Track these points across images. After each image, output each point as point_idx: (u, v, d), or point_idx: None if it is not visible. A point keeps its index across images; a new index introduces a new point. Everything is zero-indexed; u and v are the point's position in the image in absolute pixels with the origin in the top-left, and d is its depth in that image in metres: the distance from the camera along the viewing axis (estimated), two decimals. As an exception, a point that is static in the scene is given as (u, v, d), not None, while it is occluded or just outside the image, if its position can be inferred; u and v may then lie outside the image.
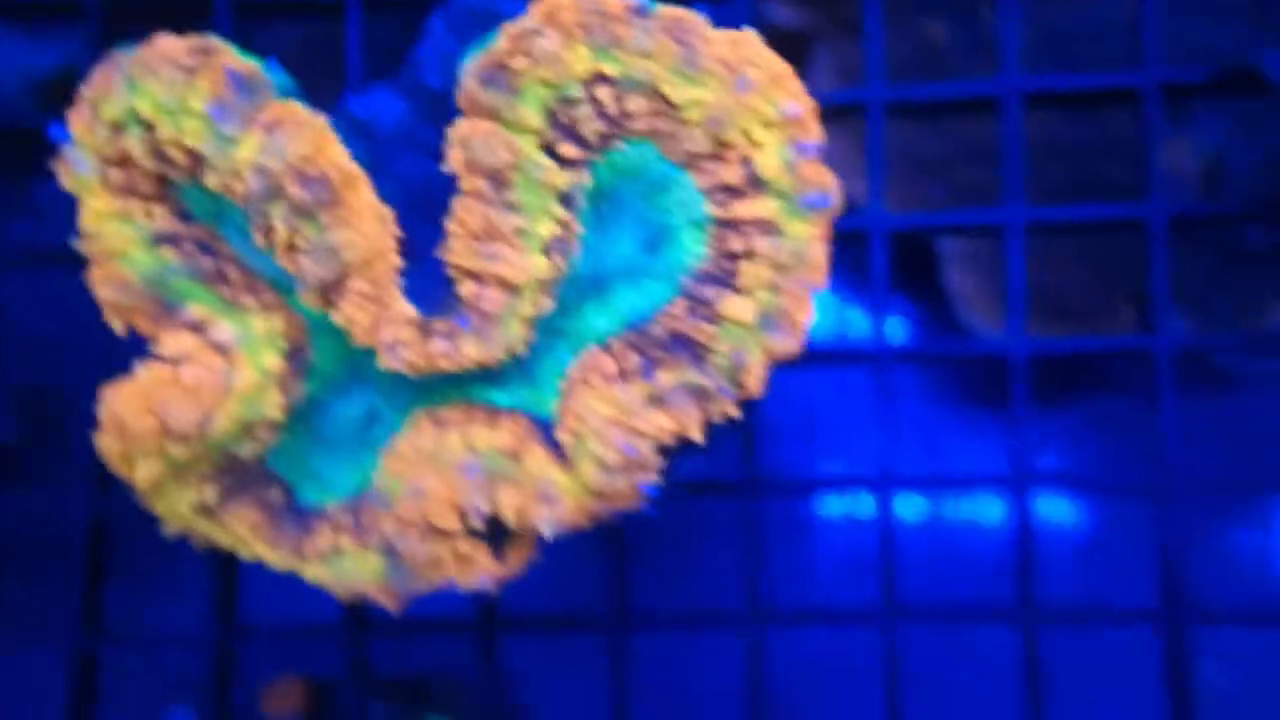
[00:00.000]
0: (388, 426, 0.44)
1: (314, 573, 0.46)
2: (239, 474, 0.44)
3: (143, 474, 0.41)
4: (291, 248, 0.36)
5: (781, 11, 0.65)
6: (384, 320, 0.36)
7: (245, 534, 0.45)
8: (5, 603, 0.63)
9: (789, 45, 0.60)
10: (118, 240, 0.39)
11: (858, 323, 0.70)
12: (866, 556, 0.54)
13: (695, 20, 0.36)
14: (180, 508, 0.44)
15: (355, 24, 0.53)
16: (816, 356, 0.53)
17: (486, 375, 0.41)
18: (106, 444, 0.41)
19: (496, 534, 0.43)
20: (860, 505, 0.61)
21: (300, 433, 0.44)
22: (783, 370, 0.41)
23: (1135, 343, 0.53)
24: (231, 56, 0.36)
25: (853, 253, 0.55)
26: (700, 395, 0.38)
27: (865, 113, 0.54)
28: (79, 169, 0.39)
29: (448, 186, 0.39)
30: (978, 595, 0.56)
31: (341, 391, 0.43)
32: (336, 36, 0.54)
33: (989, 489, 0.53)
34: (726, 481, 0.53)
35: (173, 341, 0.39)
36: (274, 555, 0.46)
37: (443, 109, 0.48)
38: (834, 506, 0.67)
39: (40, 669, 0.55)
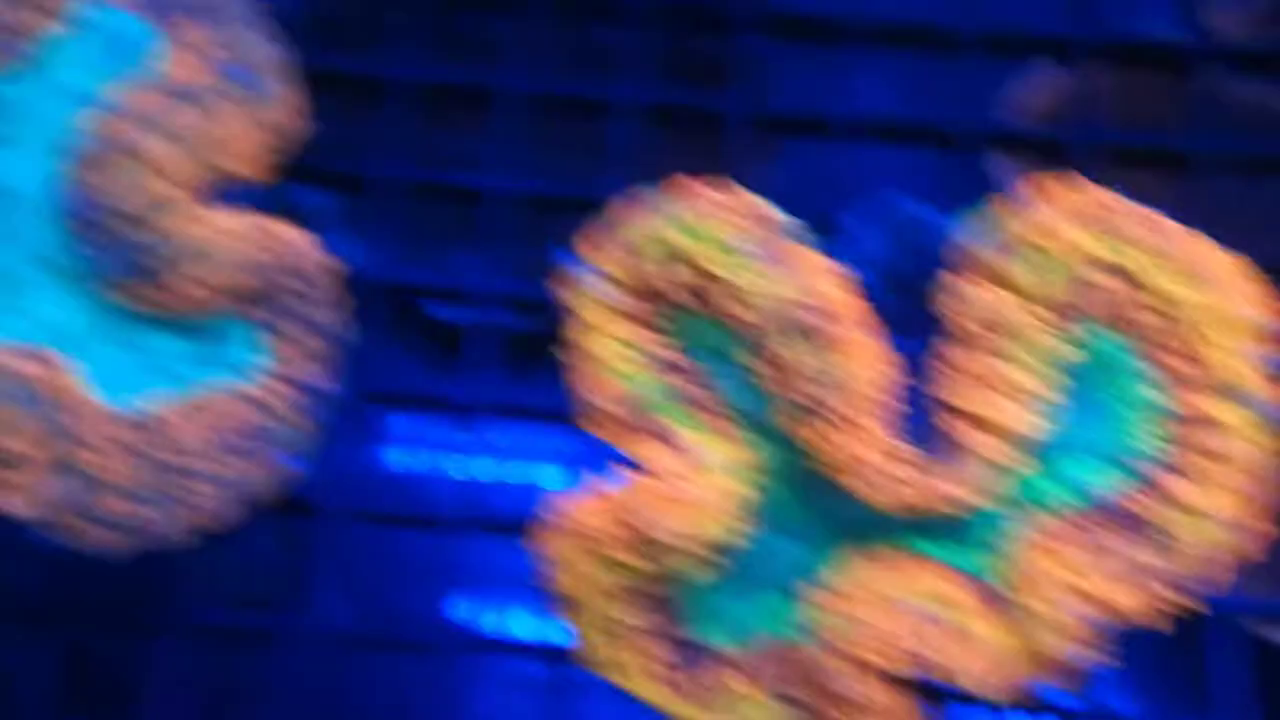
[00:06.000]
0: (806, 574, 0.46)
1: (690, 714, 0.48)
2: (664, 601, 0.46)
3: (597, 583, 0.44)
4: (793, 372, 0.40)
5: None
6: (886, 454, 0.39)
7: (641, 664, 0.47)
8: None
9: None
10: (619, 360, 0.44)
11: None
12: None
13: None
14: (604, 625, 0.47)
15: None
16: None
17: (920, 526, 0.44)
18: (561, 548, 0.45)
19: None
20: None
21: (720, 570, 0.47)
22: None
23: None
24: (758, 201, 0.42)
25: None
26: (1160, 579, 0.40)
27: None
28: (599, 293, 0.44)
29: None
30: None
31: (772, 534, 0.46)
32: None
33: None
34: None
35: (665, 458, 0.43)
36: (657, 692, 0.48)
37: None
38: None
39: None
